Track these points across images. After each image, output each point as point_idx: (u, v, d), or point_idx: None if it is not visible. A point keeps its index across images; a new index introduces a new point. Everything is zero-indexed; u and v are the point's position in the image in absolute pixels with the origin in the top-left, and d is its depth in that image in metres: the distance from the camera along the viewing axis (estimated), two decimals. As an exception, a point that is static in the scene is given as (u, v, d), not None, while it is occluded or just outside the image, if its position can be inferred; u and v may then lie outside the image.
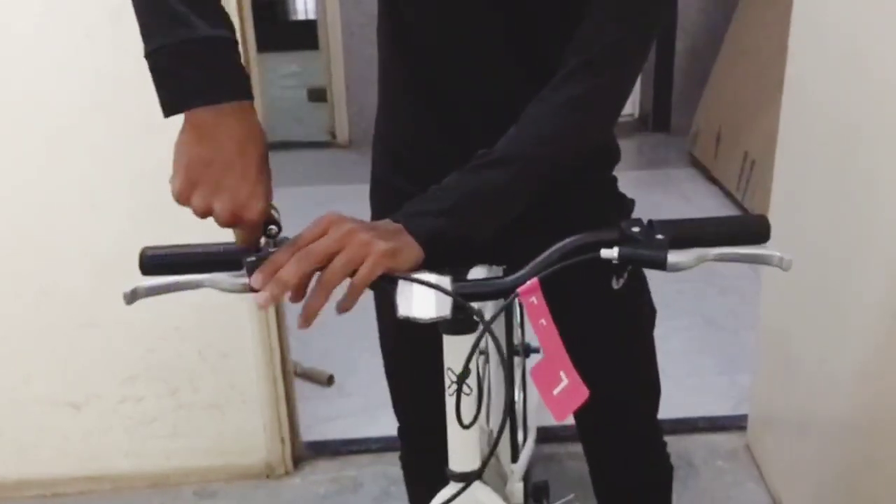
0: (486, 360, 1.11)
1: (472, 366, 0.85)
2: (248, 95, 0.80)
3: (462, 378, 0.84)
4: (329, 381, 2.53)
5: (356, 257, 0.78)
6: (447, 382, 0.86)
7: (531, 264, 0.83)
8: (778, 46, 3.34)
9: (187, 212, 1.70)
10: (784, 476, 1.95)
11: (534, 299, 0.81)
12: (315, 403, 2.37)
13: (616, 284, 1.01)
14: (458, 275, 0.87)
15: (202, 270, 0.82)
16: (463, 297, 0.81)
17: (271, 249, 0.80)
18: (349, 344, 2.69)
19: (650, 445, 1.37)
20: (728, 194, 3.99)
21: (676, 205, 3.96)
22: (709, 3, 4.83)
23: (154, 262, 0.83)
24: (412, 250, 0.83)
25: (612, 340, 1.18)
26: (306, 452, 2.20)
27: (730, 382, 2.45)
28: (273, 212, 0.83)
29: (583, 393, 0.81)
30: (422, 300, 0.79)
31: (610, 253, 0.82)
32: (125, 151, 1.78)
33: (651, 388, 1.30)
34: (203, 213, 0.80)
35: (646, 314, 1.24)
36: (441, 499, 0.91)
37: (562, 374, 0.81)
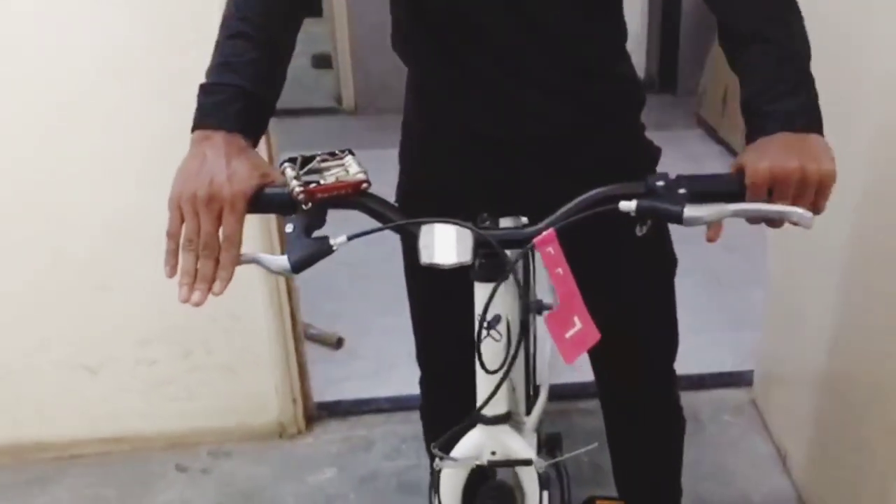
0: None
1: (502, 312, 0.90)
2: (245, 134, 0.90)
3: (487, 323, 0.89)
4: (338, 343, 2.54)
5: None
6: (476, 328, 0.90)
7: (550, 217, 0.86)
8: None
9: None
10: (789, 429, 1.97)
11: (550, 249, 0.84)
12: (326, 366, 2.40)
13: (640, 231, 1.04)
14: (483, 222, 0.91)
15: None
16: (481, 245, 0.84)
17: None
18: (358, 307, 2.72)
19: (666, 397, 1.39)
20: (736, 154, 3.97)
21: (684, 166, 3.91)
22: (715, -40, 4.75)
23: None
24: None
25: (635, 285, 1.21)
26: (318, 413, 2.24)
27: (735, 339, 2.47)
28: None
29: (594, 336, 0.84)
30: (443, 247, 0.83)
31: (628, 206, 0.84)
32: (137, 117, 1.79)
33: (670, 336, 1.32)
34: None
35: (668, 262, 1.27)
36: (467, 441, 0.95)
37: (575, 318, 0.85)
